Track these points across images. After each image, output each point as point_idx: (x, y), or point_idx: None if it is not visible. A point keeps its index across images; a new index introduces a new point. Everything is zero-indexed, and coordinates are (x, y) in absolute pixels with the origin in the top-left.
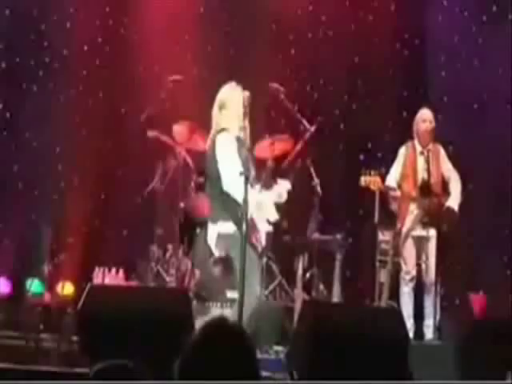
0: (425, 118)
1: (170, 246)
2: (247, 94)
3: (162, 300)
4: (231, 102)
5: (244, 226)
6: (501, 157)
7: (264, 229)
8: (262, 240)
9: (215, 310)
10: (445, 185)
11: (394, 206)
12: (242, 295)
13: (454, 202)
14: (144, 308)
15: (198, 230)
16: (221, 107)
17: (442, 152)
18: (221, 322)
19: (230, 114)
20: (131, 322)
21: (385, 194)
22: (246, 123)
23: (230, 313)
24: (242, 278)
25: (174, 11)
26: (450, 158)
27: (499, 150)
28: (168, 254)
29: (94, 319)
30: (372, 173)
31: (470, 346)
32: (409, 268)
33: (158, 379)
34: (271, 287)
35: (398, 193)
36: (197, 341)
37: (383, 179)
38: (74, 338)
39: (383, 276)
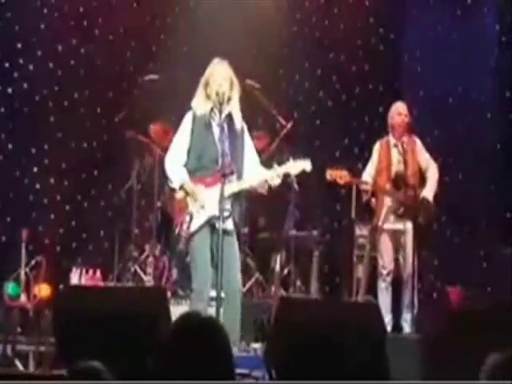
0: (400, 110)
1: (147, 246)
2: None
3: (140, 299)
4: (213, 77)
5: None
6: (476, 149)
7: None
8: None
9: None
10: (422, 176)
11: (365, 199)
12: (219, 293)
13: (428, 192)
14: (121, 307)
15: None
16: (205, 85)
17: (419, 143)
18: (193, 315)
19: (212, 90)
20: (108, 322)
21: (357, 187)
22: (235, 99)
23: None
24: (220, 274)
25: (150, 11)
26: (427, 150)
27: (474, 142)
28: (145, 254)
29: (70, 320)
30: (338, 166)
31: (446, 338)
32: (386, 262)
33: (135, 378)
34: (249, 284)
35: (368, 186)
36: (169, 335)
37: (356, 174)
38: (51, 340)
39: (360, 271)
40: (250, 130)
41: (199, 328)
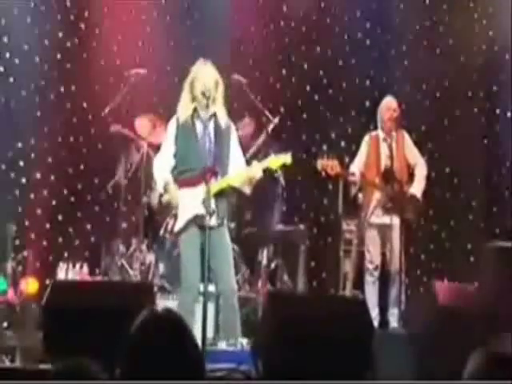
0: (389, 105)
1: (133, 240)
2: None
3: (126, 294)
4: (198, 78)
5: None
6: (463, 144)
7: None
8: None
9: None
10: (410, 171)
11: (353, 191)
12: (206, 288)
13: (417, 188)
14: (108, 302)
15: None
16: (190, 87)
17: (407, 138)
18: (153, 313)
19: (197, 91)
20: (95, 317)
21: (345, 179)
22: (220, 100)
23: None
24: (207, 271)
25: (136, 4)
26: (414, 144)
27: (462, 137)
28: (132, 248)
29: (57, 315)
30: (329, 157)
31: (433, 333)
32: (373, 257)
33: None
34: (236, 279)
35: (356, 178)
36: (132, 333)
37: (343, 165)
38: (38, 334)
39: (347, 265)
40: (236, 122)
41: (163, 327)
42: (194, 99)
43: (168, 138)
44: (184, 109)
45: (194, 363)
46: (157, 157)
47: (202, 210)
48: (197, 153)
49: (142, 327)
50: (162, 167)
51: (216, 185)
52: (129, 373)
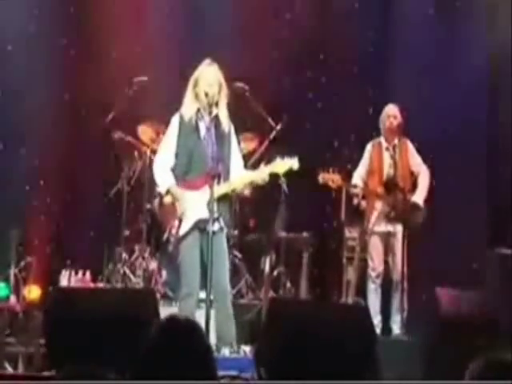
0: (390, 113)
1: (136, 248)
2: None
3: (129, 301)
4: (203, 78)
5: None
6: (465, 153)
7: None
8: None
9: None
10: (413, 180)
11: (356, 202)
12: (209, 294)
13: (419, 197)
14: (111, 309)
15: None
16: (194, 85)
17: (411, 146)
18: (171, 320)
19: (200, 91)
20: (98, 324)
21: (348, 190)
22: (223, 103)
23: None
24: (210, 278)
25: (139, 11)
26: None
27: (464, 146)
28: (135, 256)
29: (60, 322)
30: (330, 170)
31: (435, 340)
32: (376, 264)
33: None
34: (238, 286)
35: (358, 190)
36: (149, 341)
37: (347, 176)
38: (41, 341)
39: (350, 273)
40: (239, 131)
41: (177, 333)
42: (196, 97)
43: (170, 135)
44: (188, 107)
45: (209, 370)
46: (158, 154)
47: (205, 214)
48: (199, 155)
49: (162, 334)
50: (164, 166)
51: (220, 188)
52: (144, 377)
